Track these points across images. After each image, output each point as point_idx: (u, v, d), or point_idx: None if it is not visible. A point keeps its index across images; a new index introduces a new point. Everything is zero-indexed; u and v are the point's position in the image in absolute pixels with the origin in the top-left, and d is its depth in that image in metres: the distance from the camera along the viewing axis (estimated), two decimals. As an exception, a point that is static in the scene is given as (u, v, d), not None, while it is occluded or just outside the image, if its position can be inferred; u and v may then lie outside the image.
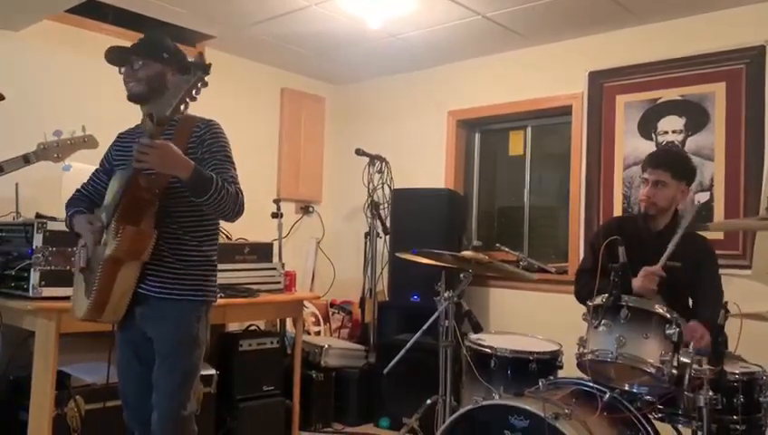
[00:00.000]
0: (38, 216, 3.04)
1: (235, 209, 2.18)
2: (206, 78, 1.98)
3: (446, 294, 2.81)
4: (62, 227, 2.85)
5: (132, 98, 2.26)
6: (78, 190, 2.45)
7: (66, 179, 3.09)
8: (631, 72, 3.87)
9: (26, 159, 2.64)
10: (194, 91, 1.98)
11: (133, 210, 2.11)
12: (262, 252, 3.90)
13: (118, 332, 2.33)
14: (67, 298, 2.63)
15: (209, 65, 1.96)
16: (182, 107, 2.01)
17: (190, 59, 1.99)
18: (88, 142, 2.71)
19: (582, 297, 2.72)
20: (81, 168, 2.96)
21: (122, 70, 2.27)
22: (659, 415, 2.38)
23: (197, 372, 2.27)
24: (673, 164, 2.71)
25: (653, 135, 3.79)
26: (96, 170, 2.45)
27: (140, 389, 2.26)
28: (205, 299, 2.28)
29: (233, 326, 4.11)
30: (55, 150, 2.65)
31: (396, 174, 4.82)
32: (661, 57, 3.75)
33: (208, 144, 2.24)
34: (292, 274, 4.05)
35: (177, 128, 2.21)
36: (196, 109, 2.23)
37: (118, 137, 2.45)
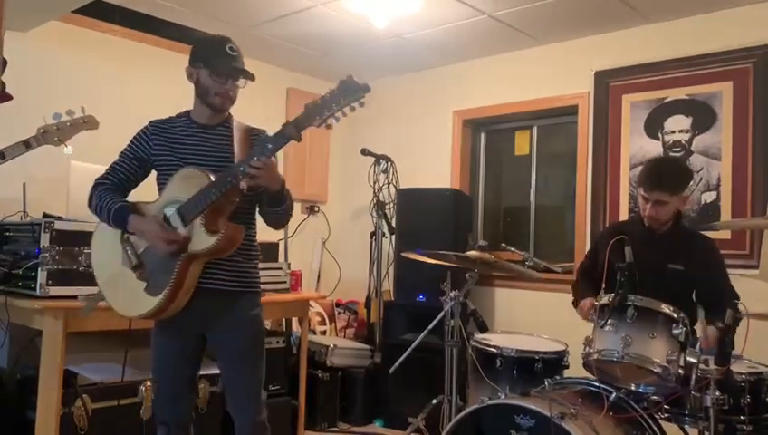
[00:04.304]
0: (45, 215, 3.05)
1: (288, 221, 2.27)
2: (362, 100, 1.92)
3: (451, 294, 2.81)
4: (69, 226, 2.87)
5: (219, 111, 2.24)
6: (106, 178, 2.25)
7: (73, 179, 3.10)
8: (638, 72, 3.86)
9: (27, 144, 2.59)
10: (348, 109, 1.94)
11: (223, 209, 2.09)
12: (267, 251, 3.89)
13: (161, 329, 2.24)
14: (74, 297, 2.64)
15: (368, 88, 1.93)
16: (331, 120, 1.94)
17: (343, 78, 1.93)
18: (88, 123, 2.68)
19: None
20: (86, 167, 2.97)
21: (233, 84, 2.20)
22: (666, 415, 2.36)
23: None
24: (670, 184, 2.64)
25: (659, 135, 3.78)
26: (125, 159, 2.26)
27: (181, 388, 2.24)
28: (261, 290, 2.31)
29: (239, 326, 4.11)
30: (56, 133, 2.62)
31: (401, 174, 4.81)
32: (668, 56, 3.74)
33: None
34: (297, 273, 4.06)
35: (238, 136, 2.19)
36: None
37: (155, 127, 2.27)
